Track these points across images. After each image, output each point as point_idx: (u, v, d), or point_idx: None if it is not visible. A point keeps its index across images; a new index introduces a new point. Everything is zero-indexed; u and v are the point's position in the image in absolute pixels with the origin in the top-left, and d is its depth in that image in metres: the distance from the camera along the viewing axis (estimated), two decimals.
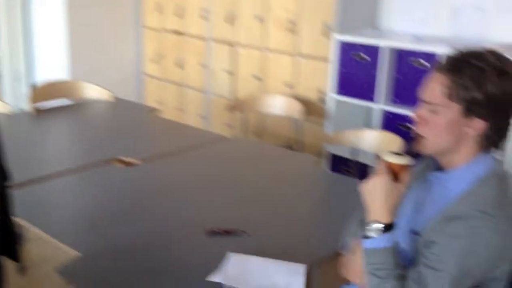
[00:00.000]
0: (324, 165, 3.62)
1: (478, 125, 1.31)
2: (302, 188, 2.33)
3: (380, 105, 3.33)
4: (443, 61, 1.34)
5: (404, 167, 1.36)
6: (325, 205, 2.23)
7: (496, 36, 3.13)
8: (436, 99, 1.32)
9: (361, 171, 3.41)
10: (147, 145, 2.83)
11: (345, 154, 3.46)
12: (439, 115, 1.32)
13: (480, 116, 1.29)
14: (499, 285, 1.33)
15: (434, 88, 1.32)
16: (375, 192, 1.33)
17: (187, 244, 1.80)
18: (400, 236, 1.45)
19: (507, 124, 1.32)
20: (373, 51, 3.30)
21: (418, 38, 3.24)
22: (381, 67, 3.26)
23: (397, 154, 1.38)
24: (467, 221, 1.26)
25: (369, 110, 3.70)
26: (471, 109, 1.29)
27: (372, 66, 3.32)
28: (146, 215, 1.99)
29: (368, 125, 3.75)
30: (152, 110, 3.51)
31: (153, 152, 2.62)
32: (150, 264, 1.66)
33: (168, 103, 4.91)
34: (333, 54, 3.47)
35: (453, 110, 1.30)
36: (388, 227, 1.33)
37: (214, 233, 1.83)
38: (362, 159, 3.33)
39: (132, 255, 1.72)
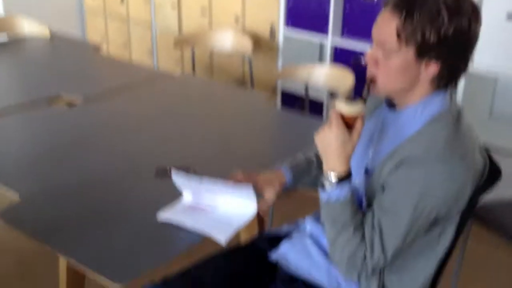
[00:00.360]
0: (276, 102, 3.57)
1: (431, 67, 1.26)
2: (252, 126, 2.27)
3: (331, 39, 3.27)
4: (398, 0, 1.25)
5: (357, 114, 1.31)
6: (276, 142, 2.18)
7: None
8: (387, 41, 1.25)
9: (314, 107, 3.38)
10: (90, 84, 2.69)
11: (297, 90, 3.42)
12: (391, 58, 1.26)
13: (433, 58, 1.24)
14: (452, 223, 1.33)
15: (386, 28, 1.25)
16: (329, 144, 1.30)
17: (135, 184, 1.73)
18: (354, 172, 1.43)
19: (462, 63, 1.28)
20: None
21: None
22: (331, 1, 3.17)
23: (350, 100, 1.31)
24: (420, 165, 1.23)
25: (320, 45, 3.64)
26: (424, 51, 1.23)
27: (322, 1, 3.23)
28: (91, 155, 1.91)
29: (320, 60, 3.70)
30: (95, 47, 3.32)
31: (97, 91, 2.49)
32: (96, 206, 1.59)
33: (111, 39, 4.70)
34: None
35: (406, 53, 1.24)
36: (344, 177, 1.30)
37: (164, 171, 1.76)
38: (314, 95, 3.30)
39: (77, 197, 1.64)
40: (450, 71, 1.27)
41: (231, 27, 3.67)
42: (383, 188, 1.29)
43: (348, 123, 1.31)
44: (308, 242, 1.50)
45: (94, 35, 4.85)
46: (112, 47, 4.71)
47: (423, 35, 1.20)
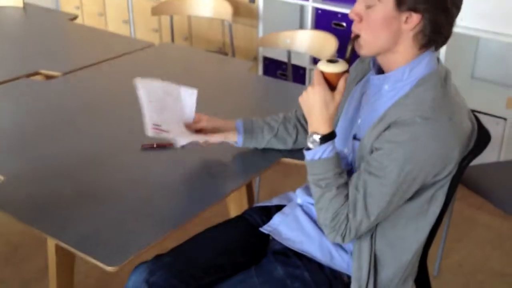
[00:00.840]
0: (258, 70, 3.53)
1: (413, 19, 1.25)
2: (235, 94, 2.23)
3: (312, 3, 3.21)
4: None
5: (339, 74, 1.32)
6: (259, 109, 2.14)
7: None
8: None
9: (297, 73, 3.35)
10: (67, 56, 2.62)
11: (279, 56, 3.37)
12: (373, 10, 1.27)
13: (413, 9, 1.23)
14: (442, 188, 1.33)
15: None
16: (312, 104, 1.32)
17: (121, 161, 1.69)
18: (342, 141, 1.43)
19: (444, 18, 1.26)
20: None
21: None
22: None
23: (332, 61, 1.33)
24: (408, 127, 1.23)
25: (301, 9, 3.59)
26: (404, 1, 1.23)
27: None
28: (74, 132, 1.86)
29: (301, 23, 3.64)
30: (70, 16, 3.22)
31: (75, 63, 2.42)
32: (83, 185, 1.55)
33: (86, 8, 4.57)
34: None
35: (386, 4, 1.25)
36: (327, 137, 1.32)
37: (150, 148, 1.73)
38: (297, 61, 3.26)
39: (63, 176, 1.60)
40: (432, 27, 1.26)
41: None
42: (371, 151, 1.29)
43: (331, 83, 1.32)
44: (300, 214, 1.49)
45: (67, 4, 4.71)
46: (87, 17, 4.58)
47: None
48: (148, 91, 1.55)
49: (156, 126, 1.53)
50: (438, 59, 1.34)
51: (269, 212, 1.57)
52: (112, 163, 1.68)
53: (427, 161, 1.24)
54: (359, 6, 1.30)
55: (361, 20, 1.30)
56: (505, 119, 2.68)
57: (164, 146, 1.73)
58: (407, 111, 1.24)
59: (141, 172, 1.62)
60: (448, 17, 1.26)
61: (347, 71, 1.33)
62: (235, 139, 1.62)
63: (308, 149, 1.33)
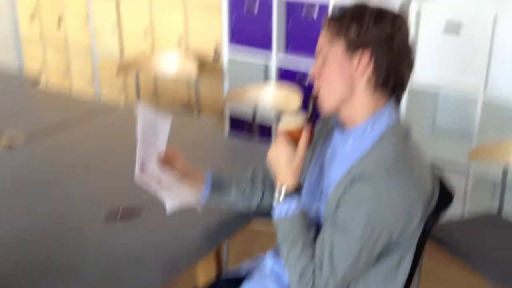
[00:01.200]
0: (224, 126, 3.55)
1: (363, 61, 1.29)
2: (202, 155, 2.22)
3: (275, 59, 3.28)
4: (327, 16, 1.37)
5: (299, 128, 1.39)
6: (226, 169, 2.15)
7: None
8: (321, 46, 1.35)
9: (263, 128, 3.38)
10: (31, 121, 2.58)
11: (245, 112, 3.40)
12: (328, 61, 1.33)
13: (363, 49, 1.29)
14: (409, 251, 1.34)
15: (320, 40, 1.36)
16: (277, 159, 1.37)
17: (85, 230, 1.65)
18: (310, 198, 1.44)
19: (393, 63, 1.30)
20: (264, 2, 3.21)
21: None
22: (273, 17, 3.19)
23: (293, 116, 1.41)
24: (370, 181, 1.24)
25: (265, 65, 3.65)
26: (353, 42, 1.29)
27: (263, 16, 3.25)
28: (35, 200, 1.82)
29: (266, 80, 3.70)
30: (33, 80, 3.20)
31: (38, 129, 2.39)
32: (44, 257, 1.51)
33: (50, 67, 4.56)
34: (223, 6, 3.35)
35: (337, 51, 1.31)
36: (293, 191, 1.35)
37: (115, 213, 1.70)
38: (263, 117, 3.29)
39: (24, 249, 1.55)
40: (383, 68, 1.30)
41: (175, 49, 3.63)
42: (337, 207, 1.30)
43: (294, 138, 1.38)
44: (269, 283, 1.47)
45: (32, 63, 4.69)
46: (52, 76, 4.57)
47: (348, 30, 1.29)
48: (145, 122, 1.52)
49: (142, 166, 1.50)
50: (398, 114, 1.37)
51: (238, 282, 1.54)
52: (75, 235, 1.63)
53: (391, 215, 1.24)
54: (316, 65, 1.37)
55: (318, 76, 1.36)
56: (467, 170, 2.74)
57: (129, 215, 1.70)
58: (370, 166, 1.26)
59: (105, 244, 1.58)
60: (398, 62, 1.31)
61: (311, 126, 1.38)
62: (201, 187, 1.58)
63: (277, 202, 1.36)
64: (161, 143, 1.55)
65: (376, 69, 1.30)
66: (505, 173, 2.23)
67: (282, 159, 1.36)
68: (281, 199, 1.34)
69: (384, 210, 1.23)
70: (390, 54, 1.29)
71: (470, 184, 2.73)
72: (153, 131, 1.52)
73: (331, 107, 1.36)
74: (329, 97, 1.34)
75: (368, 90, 1.32)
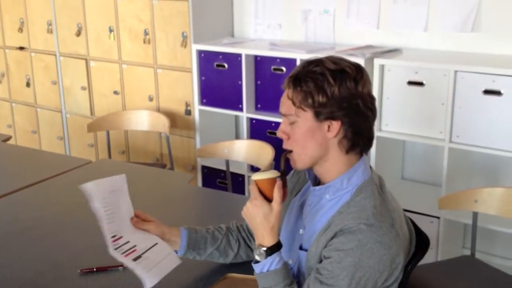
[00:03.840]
0: (197, 180, 3.55)
1: (334, 127, 1.33)
2: (175, 209, 2.22)
3: (246, 113, 3.33)
4: (288, 76, 1.38)
5: (271, 181, 1.37)
6: (201, 223, 2.14)
7: (344, 38, 3.28)
8: (288, 112, 1.36)
9: (235, 181, 3.39)
10: (0, 178, 2.55)
11: (217, 165, 3.42)
12: (297, 126, 1.35)
13: (332, 117, 1.32)
14: None
15: (285, 102, 1.37)
16: (253, 218, 1.37)
17: (61, 285, 1.61)
18: (286, 253, 1.44)
19: (362, 121, 1.35)
20: (233, 59, 3.29)
21: (274, 44, 3.28)
22: (242, 75, 3.26)
23: (268, 171, 1.40)
24: (353, 234, 1.27)
25: (236, 119, 3.71)
26: (320, 112, 1.32)
27: (233, 75, 3.32)
28: (7, 257, 1.77)
29: (237, 133, 3.75)
30: (3, 138, 3.17)
31: (9, 186, 2.36)
32: None
33: (19, 126, 4.52)
34: (193, 64, 3.42)
35: (306, 117, 1.33)
36: (273, 249, 1.35)
37: (90, 272, 1.67)
38: (235, 169, 3.31)
39: None
40: (353, 130, 1.34)
41: (145, 107, 3.66)
42: (320, 260, 1.32)
43: (267, 194, 1.37)
44: None
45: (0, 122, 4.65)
46: (20, 135, 4.53)
47: (313, 97, 1.31)
48: (99, 199, 1.44)
49: (115, 238, 1.43)
50: (371, 167, 1.42)
51: None
52: None
53: (375, 267, 1.27)
54: (283, 125, 1.39)
55: (288, 137, 1.38)
56: (438, 217, 2.79)
57: (105, 269, 1.68)
58: (351, 219, 1.29)
59: None
60: (365, 120, 1.35)
61: (283, 181, 1.38)
62: (177, 247, 1.57)
63: (256, 262, 1.35)
64: (127, 205, 1.51)
65: (346, 132, 1.34)
66: (475, 216, 2.28)
67: (257, 217, 1.35)
68: (260, 258, 1.35)
69: (369, 262, 1.26)
70: (358, 118, 1.34)
71: (441, 229, 2.78)
72: (114, 199, 1.47)
73: (305, 165, 1.39)
74: (302, 156, 1.37)
75: (338, 148, 1.36)
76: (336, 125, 1.33)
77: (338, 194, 1.37)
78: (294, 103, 1.34)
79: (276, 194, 1.36)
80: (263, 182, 1.37)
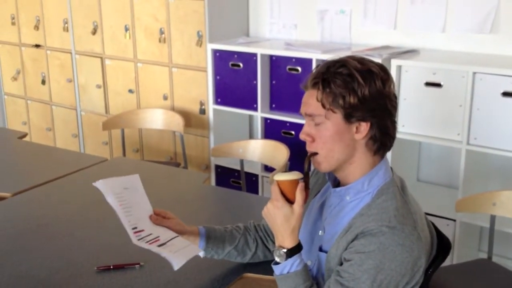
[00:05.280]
0: (211, 180, 3.54)
1: (362, 128, 1.32)
2: (190, 208, 2.22)
3: (260, 113, 3.32)
4: (312, 76, 1.35)
5: (294, 182, 1.34)
6: (215, 222, 2.14)
7: (360, 39, 3.26)
8: (315, 113, 1.33)
9: (249, 181, 3.39)
10: (16, 175, 2.56)
11: (231, 164, 3.42)
12: (324, 128, 1.32)
13: (361, 118, 1.31)
14: None
15: (311, 103, 1.34)
16: (274, 219, 1.34)
17: (74, 285, 1.62)
18: (305, 254, 1.43)
19: (389, 121, 1.34)
20: (248, 59, 3.28)
21: (290, 44, 3.27)
22: (257, 75, 3.25)
23: (289, 172, 1.37)
24: (375, 237, 1.26)
25: (250, 118, 3.70)
26: (350, 114, 1.30)
27: (248, 74, 3.31)
28: (24, 255, 1.78)
29: (251, 133, 3.74)
30: (18, 135, 3.19)
31: (25, 183, 2.37)
32: None
33: (34, 123, 4.55)
34: (208, 64, 3.41)
35: (335, 119, 1.31)
36: (293, 250, 1.34)
37: (106, 270, 1.67)
38: (249, 169, 3.31)
39: None
40: (380, 131, 1.33)
41: (160, 105, 3.66)
42: (340, 263, 1.30)
43: (289, 195, 1.34)
44: None
45: (15, 119, 4.68)
46: (35, 132, 4.55)
47: (344, 98, 1.29)
48: (113, 193, 1.47)
49: (136, 230, 1.44)
50: (391, 169, 1.40)
51: None
52: (67, 286, 1.60)
53: (397, 270, 1.25)
54: (308, 127, 1.36)
55: (313, 140, 1.35)
56: (454, 220, 2.76)
57: (121, 266, 1.68)
58: (372, 222, 1.27)
59: None
60: (392, 119, 1.35)
61: (305, 183, 1.35)
62: (196, 245, 1.55)
63: (276, 263, 1.34)
64: (144, 203, 1.52)
65: (374, 133, 1.32)
66: (493, 219, 2.25)
67: (278, 219, 1.33)
68: (281, 260, 1.33)
69: (390, 265, 1.25)
70: (386, 119, 1.33)
71: (457, 232, 2.75)
72: (128, 195, 1.49)
73: (330, 167, 1.37)
74: (328, 158, 1.35)
75: (365, 150, 1.34)
76: (365, 126, 1.31)
77: (359, 196, 1.36)
78: (323, 105, 1.31)
79: (299, 196, 1.34)
80: (285, 183, 1.35)
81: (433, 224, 1.46)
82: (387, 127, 1.34)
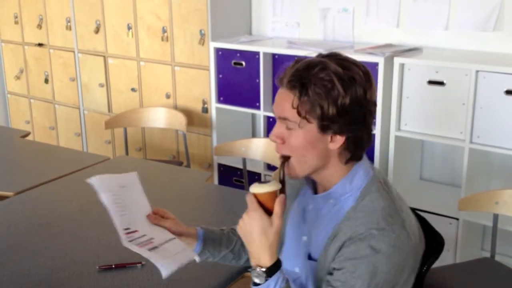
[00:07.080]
0: (213, 178, 3.54)
1: (337, 139, 1.25)
2: (192, 206, 2.22)
3: (263, 111, 3.32)
4: (290, 74, 1.24)
5: (272, 194, 1.24)
6: (217, 221, 2.14)
7: (363, 37, 3.25)
8: (289, 118, 1.23)
9: (252, 179, 3.38)
10: (19, 174, 2.57)
11: (234, 163, 3.42)
12: (295, 135, 1.24)
13: (337, 132, 1.23)
14: None
15: (286, 106, 1.23)
16: (250, 233, 1.23)
17: (76, 284, 1.62)
18: (291, 260, 1.37)
19: (365, 133, 1.27)
20: (251, 57, 3.28)
21: (292, 43, 3.27)
22: (260, 73, 3.25)
23: (264, 182, 1.26)
24: (366, 242, 1.22)
25: (253, 117, 3.69)
26: (326, 125, 1.22)
27: (251, 73, 3.30)
28: (26, 253, 1.78)
29: (253, 132, 3.74)
30: (21, 133, 3.20)
31: (27, 182, 2.37)
32: None
33: (37, 122, 4.56)
34: (210, 62, 3.41)
35: (309, 128, 1.23)
36: (272, 269, 1.23)
37: (108, 269, 1.67)
38: (251, 168, 3.30)
39: None
40: (355, 143, 1.26)
41: (162, 104, 3.66)
42: (330, 273, 1.26)
43: (267, 207, 1.24)
44: None
45: (18, 118, 4.69)
46: (38, 131, 4.56)
47: (322, 108, 1.20)
48: (108, 191, 1.39)
49: (128, 231, 1.38)
50: (371, 164, 1.34)
51: None
52: (69, 284, 1.60)
53: (391, 272, 1.23)
54: (279, 129, 1.26)
55: (283, 142, 1.26)
56: (457, 219, 2.75)
57: (123, 265, 1.68)
58: (360, 225, 1.23)
59: None
60: (368, 131, 1.28)
61: (282, 192, 1.26)
62: (192, 247, 1.49)
63: (256, 284, 1.23)
64: (142, 202, 1.45)
65: (348, 145, 1.26)
66: (496, 218, 2.25)
67: (255, 232, 1.22)
68: (260, 281, 1.22)
69: (384, 268, 1.21)
70: (363, 131, 1.26)
71: (460, 230, 2.74)
72: (124, 194, 1.42)
73: (304, 173, 1.29)
74: (303, 165, 1.27)
75: (337, 159, 1.28)
76: (340, 139, 1.24)
77: (342, 198, 1.30)
78: (299, 113, 1.21)
79: (278, 207, 1.23)
80: (263, 196, 1.23)
81: (426, 221, 1.44)
82: (362, 140, 1.27)
